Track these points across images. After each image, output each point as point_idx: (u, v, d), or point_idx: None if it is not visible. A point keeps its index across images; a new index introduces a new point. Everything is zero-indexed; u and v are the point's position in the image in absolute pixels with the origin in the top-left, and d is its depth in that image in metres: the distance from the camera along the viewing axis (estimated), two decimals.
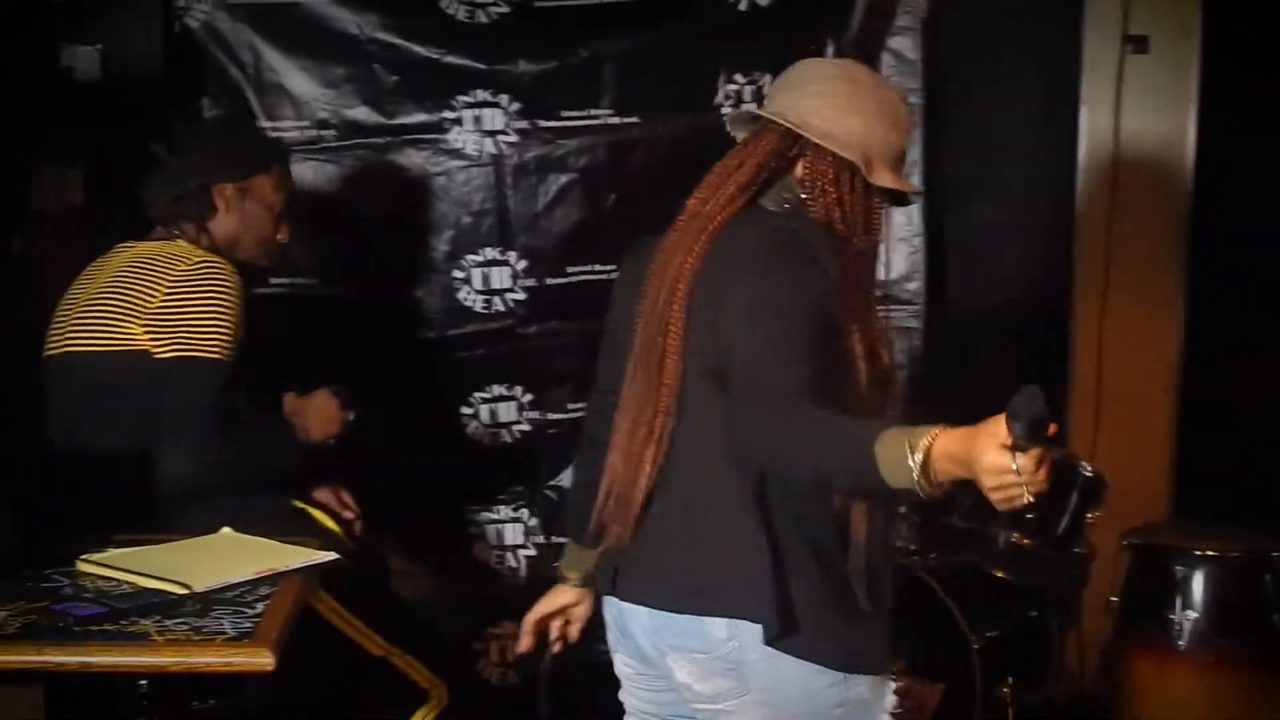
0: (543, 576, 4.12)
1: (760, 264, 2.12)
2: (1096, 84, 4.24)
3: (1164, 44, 4.22)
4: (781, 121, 2.25)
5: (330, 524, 3.09)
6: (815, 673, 2.13)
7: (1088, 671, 4.27)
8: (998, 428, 1.74)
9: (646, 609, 2.25)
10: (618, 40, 4.05)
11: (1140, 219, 4.29)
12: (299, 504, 3.11)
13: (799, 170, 2.25)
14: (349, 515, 3.20)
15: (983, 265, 4.43)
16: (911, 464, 1.81)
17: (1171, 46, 4.22)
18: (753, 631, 2.11)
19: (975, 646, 3.53)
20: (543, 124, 4.04)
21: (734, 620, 2.12)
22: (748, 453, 2.06)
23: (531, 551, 4.17)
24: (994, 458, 1.74)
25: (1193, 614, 3.39)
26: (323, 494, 3.21)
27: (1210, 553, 3.51)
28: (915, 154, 4.11)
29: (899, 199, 2.34)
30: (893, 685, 2.27)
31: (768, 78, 4.07)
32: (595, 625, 4.06)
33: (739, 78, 4.09)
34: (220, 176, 3.08)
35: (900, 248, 4.15)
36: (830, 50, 4.08)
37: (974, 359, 4.33)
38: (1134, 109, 4.24)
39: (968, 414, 4.20)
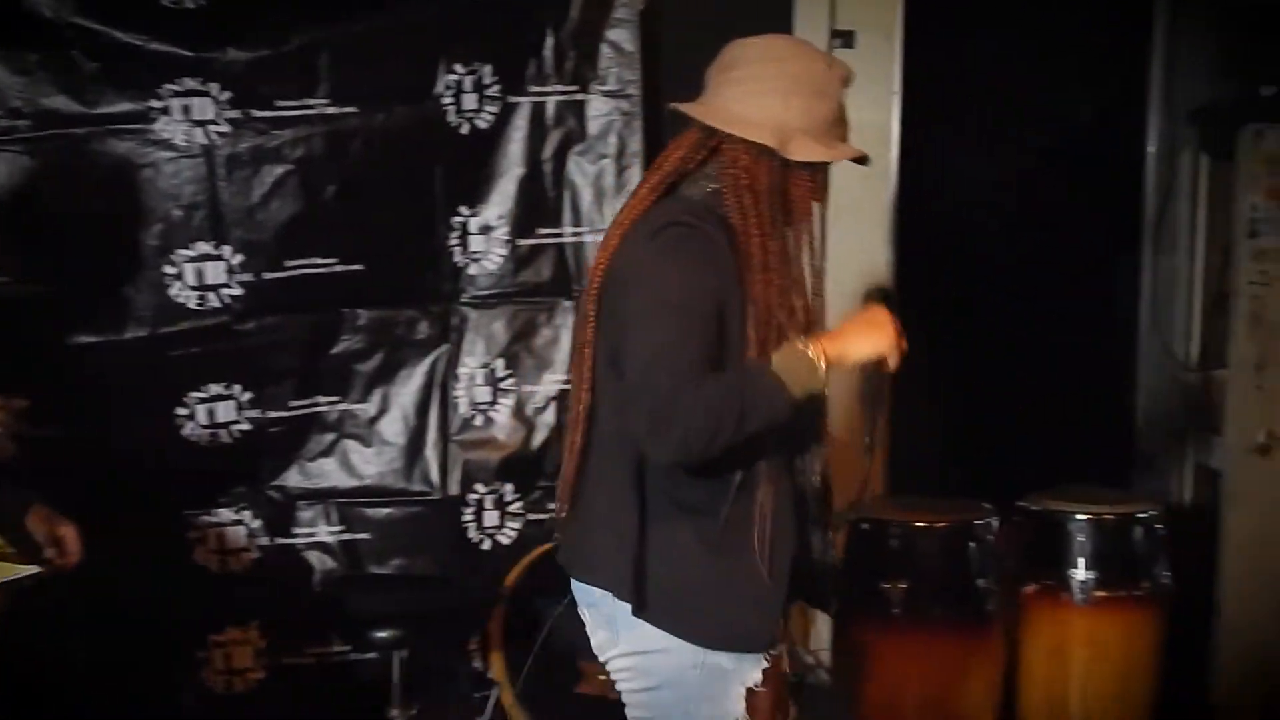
0: (268, 579, 4.04)
1: (653, 263, 2.18)
2: None
3: (868, 39, 4.39)
4: (691, 115, 2.28)
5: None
6: (673, 638, 2.26)
7: (815, 645, 4.42)
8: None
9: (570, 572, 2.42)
10: (333, 28, 3.96)
11: (849, 207, 4.43)
12: None
13: (720, 157, 2.28)
14: (49, 553, 2.88)
15: None
16: (814, 359, 2.11)
17: (875, 41, 4.39)
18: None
19: None
20: (256, 114, 3.92)
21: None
22: (649, 448, 2.13)
23: (256, 555, 4.04)
24: (880, 316, 2.26)
25: (905, 583, 3.55)
26: (35, 522, 2.91)
27: (919, 524, 3.68)
28: (636, 145, 4.17)
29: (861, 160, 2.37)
30: (762, 661, 2.31)
31: (488, 68, 4.07)
32: (320, 625, 4.04)
33: (459, 68, 4.06)
34: None
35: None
36: (549, 40, 4.10)
37: None
38: None
39: None
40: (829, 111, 2.31)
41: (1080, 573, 3.79)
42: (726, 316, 2.18)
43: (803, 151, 2.26)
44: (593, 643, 2.44)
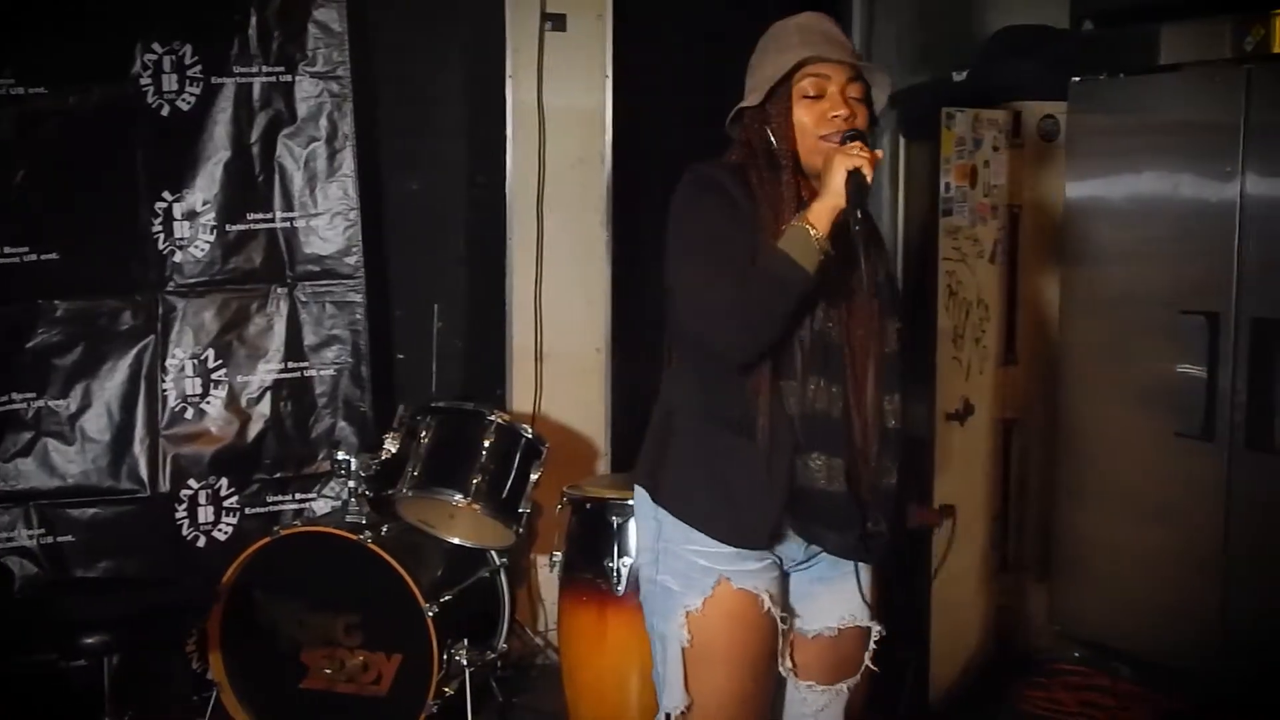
0: None
1: (673, 209, 2.41)
2: (520, 59, 4.38)
3: (579, 22, 4.42)
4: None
5: None
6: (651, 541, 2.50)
7: (544, 626, 4.45)
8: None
9: None
10: (19, 4, 3.77)
11: (567, 187, 4.48)
12: None
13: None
14: None
15: (421, 236, 4.49)
16: (801, 225, 2.26)
17: (586, 25, 4.42)
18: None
19: (430, 614, 3.58)
20: None
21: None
22: (713, 354, 2.33)
23: None
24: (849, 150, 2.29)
25: (630, 560, 3.58)
26: None
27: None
28: (348, 127, 4.10)
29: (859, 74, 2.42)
30: (706, 590, 2.42)
31: (188, 47, 3.95)
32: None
33: (157, 47, 3.93)
34: None
35: (337, 222, 4.12)
36: (253, 19, 4.00)
37: (416, 327, 4.38)
38: (555, 83, 4.41)
39: (421, 382, 4.23)
40: (760, 62, 2.46)
41: None
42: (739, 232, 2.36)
43: (753, 96, 2.43)
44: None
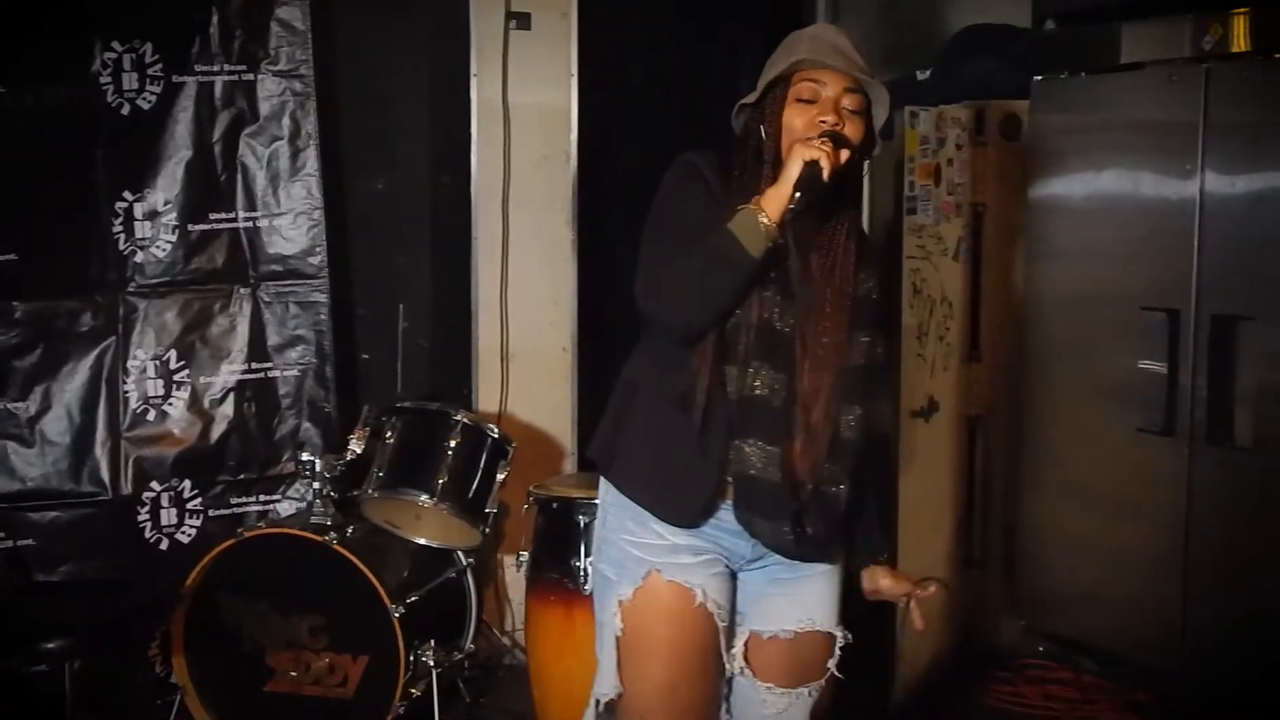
0: None
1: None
2: (485, 57, 4.37)
3: (544, 21, 4.41)
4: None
5: None
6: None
7: (511, 626, 4.44)
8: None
9: None
10: None
11: (533, 186, 4.47)
12: None
13: None
14: None
15: (385, 235, 4.47)
16: (752, 209, 2.31)
17: (551, 23, 4.41)
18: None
19: (396, 615, 3.57)
20: None
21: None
22: (659, 313, 2.37)
23: None
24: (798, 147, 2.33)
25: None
26: None
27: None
28: (311, 126, 4.08)
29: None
30: (637, 580, 2.45)
31: (149, 46, 3.92)
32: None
33: (117, 45, 3.90)
34: None
35: (300, 221, 4.10)
36: (215, 18, 3.98)
37: (381, 327, 4.36)
38: (520, 82, 4.40)
39: (386, 382, 4.20)
40: (787, 53, 2.46)
41: None
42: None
43: (755, 91, 2.47)
44: None
